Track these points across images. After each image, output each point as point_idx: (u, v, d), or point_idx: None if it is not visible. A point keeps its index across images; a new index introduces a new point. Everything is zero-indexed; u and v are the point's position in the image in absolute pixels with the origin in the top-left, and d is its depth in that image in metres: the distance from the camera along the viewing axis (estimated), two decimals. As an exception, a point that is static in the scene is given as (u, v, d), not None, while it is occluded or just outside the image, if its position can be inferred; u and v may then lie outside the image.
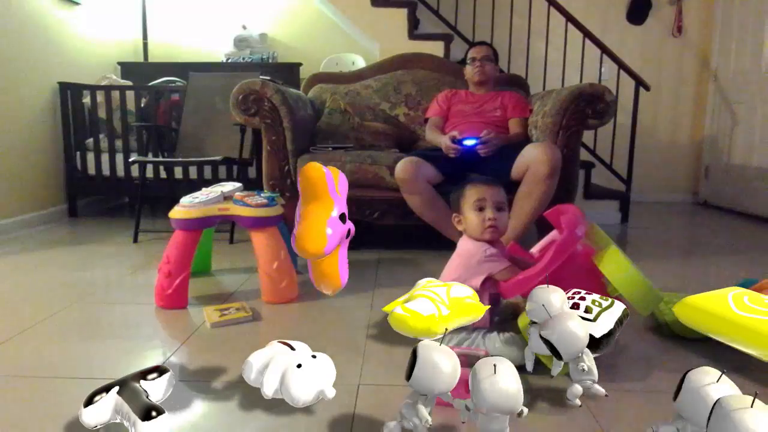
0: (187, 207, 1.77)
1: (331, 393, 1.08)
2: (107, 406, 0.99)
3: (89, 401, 0.99)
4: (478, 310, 1.22)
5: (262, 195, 1.87)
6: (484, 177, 1.48)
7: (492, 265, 1.35)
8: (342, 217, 0.94)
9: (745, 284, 1.64)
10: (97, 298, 1.84)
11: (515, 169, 2.24)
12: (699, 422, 0.81)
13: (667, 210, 4.09)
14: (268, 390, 1.07)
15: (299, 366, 1.06)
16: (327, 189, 0.95)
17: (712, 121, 4.33)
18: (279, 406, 1.11)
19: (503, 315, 1.56)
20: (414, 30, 3.70)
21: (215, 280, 2.09)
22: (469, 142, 2.32)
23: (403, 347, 1.36)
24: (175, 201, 1.86)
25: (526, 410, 0.89)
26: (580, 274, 1.38)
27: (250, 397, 1.15)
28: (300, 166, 2.43)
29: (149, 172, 3.29)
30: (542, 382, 1.24)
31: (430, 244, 2.58)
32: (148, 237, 2.82)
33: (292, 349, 1.15)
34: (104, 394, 1.00)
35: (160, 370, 1.09)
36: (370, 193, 2.44)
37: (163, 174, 3.32)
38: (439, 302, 1.17)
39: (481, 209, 1.40)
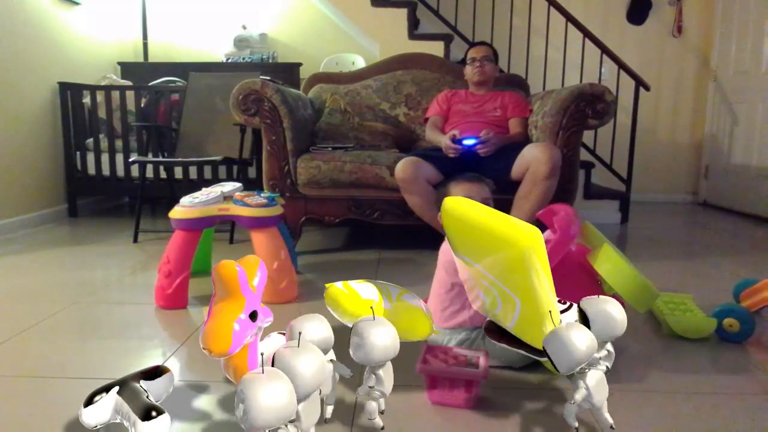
0: (187, 207, 1.77)
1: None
2: (107, 406, 0.99)
3: (89, 401, 0.99)
4: (423, 328, 1.14)
5: (262, 195, 1.86)
6: (469, 174, 1.47)
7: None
8: (252, 315, 0.94)
9: (745, 284, 1.64)
10: (97, 298, 1.84)
11: (515, 169, 2.25)
12: None
13: (667, 210, 4.09)
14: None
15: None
16: (239, 287, 0.95)
17: (712, 121, 4.33)
18: (279, 406, 1.10)
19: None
20: (414, 30, 3.71)
21: (215, 280, 2.08)
22: (468, 142, 2.32)
23: (404, 347, 1.36)
24: (175, 201, 1.86)
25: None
26: (574, 274, 1.37)
27: (250, 397, 1.15)
28: (300, 165, 2.44)
29: (149, 172, 3.29)
30: (542, 382, 1.24)
31: (430, 244, 2.57)
32: (148, 237, 2.82)
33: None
34: (104, 394, 1.00)
35: (160, 370, 1.09)
36: (370, 193, 2.45)
37: (163, 174, 3.32)
38: (386, 296, 1.13)
39: None
